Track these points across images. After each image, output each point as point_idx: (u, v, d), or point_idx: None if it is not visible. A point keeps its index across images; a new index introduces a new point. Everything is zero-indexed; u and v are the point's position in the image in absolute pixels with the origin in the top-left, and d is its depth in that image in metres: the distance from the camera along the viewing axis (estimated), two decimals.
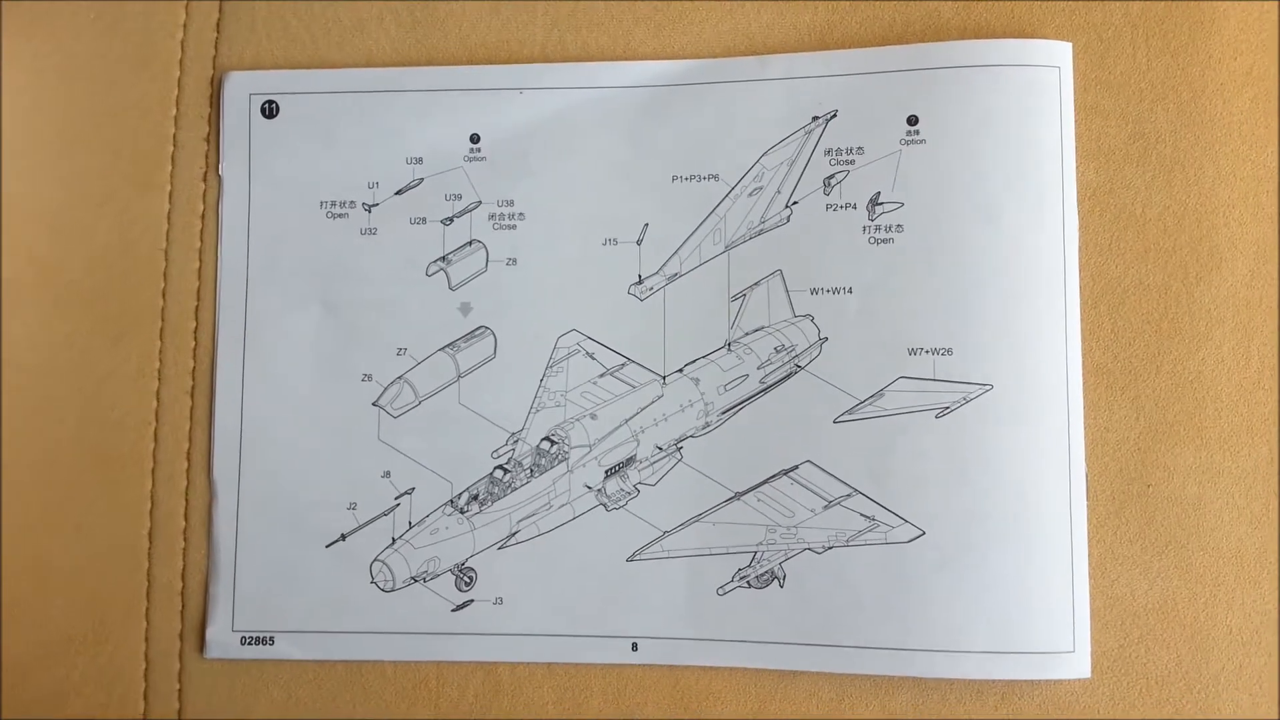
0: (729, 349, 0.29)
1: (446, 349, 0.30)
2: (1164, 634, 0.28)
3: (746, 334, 0.29)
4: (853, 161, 0.29)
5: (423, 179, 0.30)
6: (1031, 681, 0.27)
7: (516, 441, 0.29)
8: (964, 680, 0.27)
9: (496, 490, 0.29)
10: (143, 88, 0.31)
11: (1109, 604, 0.28)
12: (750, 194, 0.29)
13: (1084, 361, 0.28)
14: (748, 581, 0.28)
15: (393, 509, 0.29)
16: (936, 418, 0.28)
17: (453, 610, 0.29)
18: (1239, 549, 0.28)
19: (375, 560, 0.29)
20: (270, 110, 0.30)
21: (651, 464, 0.29)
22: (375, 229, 0.30)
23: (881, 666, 0.27)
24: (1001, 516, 0.27)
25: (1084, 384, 0.28)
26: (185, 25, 0.31)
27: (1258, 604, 0.28)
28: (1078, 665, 0.27)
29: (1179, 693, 0.27)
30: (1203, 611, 0.28)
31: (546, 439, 0.29)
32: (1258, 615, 0.27)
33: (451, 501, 0.29)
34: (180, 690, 0.29)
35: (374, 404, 0.29)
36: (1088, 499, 0.28)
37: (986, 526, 0.27)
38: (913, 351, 0.28)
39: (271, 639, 0.29)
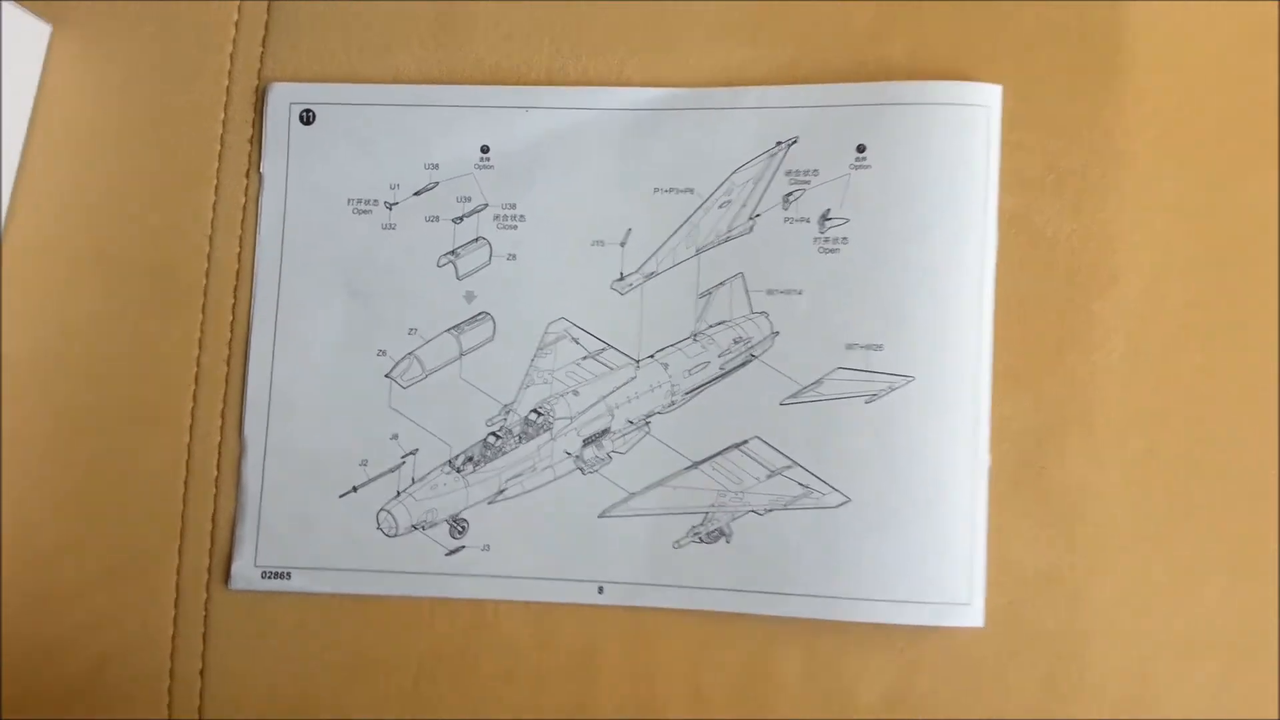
0: (694, 339, 0.33)
1: (451, 330, 0.33)
2: (1049, 595, 0.31)
3: (710, 326, 0.33)
4: (808, 182, 0.32)
5: (438, 183, 0.34)
6: (934, 628, 0.31)
7: (508, 412, 0.33)
8: (878, 624, 0.31)
9: (489, 453, 0.33)
10: (195, 95, 0.34)
11: (1003, 567, 0.31)
12: (720, 206, 0.33)
13: (994, 361, 0.31)
14: (700, 537, 0.32)
15: (398, 466, 0.33)
16: (866, 404, 0.31)
17: (446, 554, 0.32)
18: (1117, 526, 0.31)
19: (382, 510, 0.33)
20: (308, 118, 0.34)
21: (623, 436, 0.33)
22: (395, 225, 0.34)
23: (809, 611, 0.31)
24: (916, 489, 0.31)
25: (993, 380, 0.31)
26: (235, 40, 0.34)
27: (1130, 574, 0.31)
28: (973, 615, 0.30)
29: (1059, 644, 0.31)
30: (1082, 578, 0.31)
31: (534, 411, 0.33)
32: (1130, 583, 0.31)
33: (450, 462, 0.33)
34: (206, 616, 0.32)
35: (386, 376, 0.33)
36: (990, 478, 0.31)
37: (903, 496, 0.31)
38: (849, 346, 0.31)
39: (289, 574, 0.33)
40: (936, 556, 0.31)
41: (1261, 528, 0.31)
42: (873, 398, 0.31)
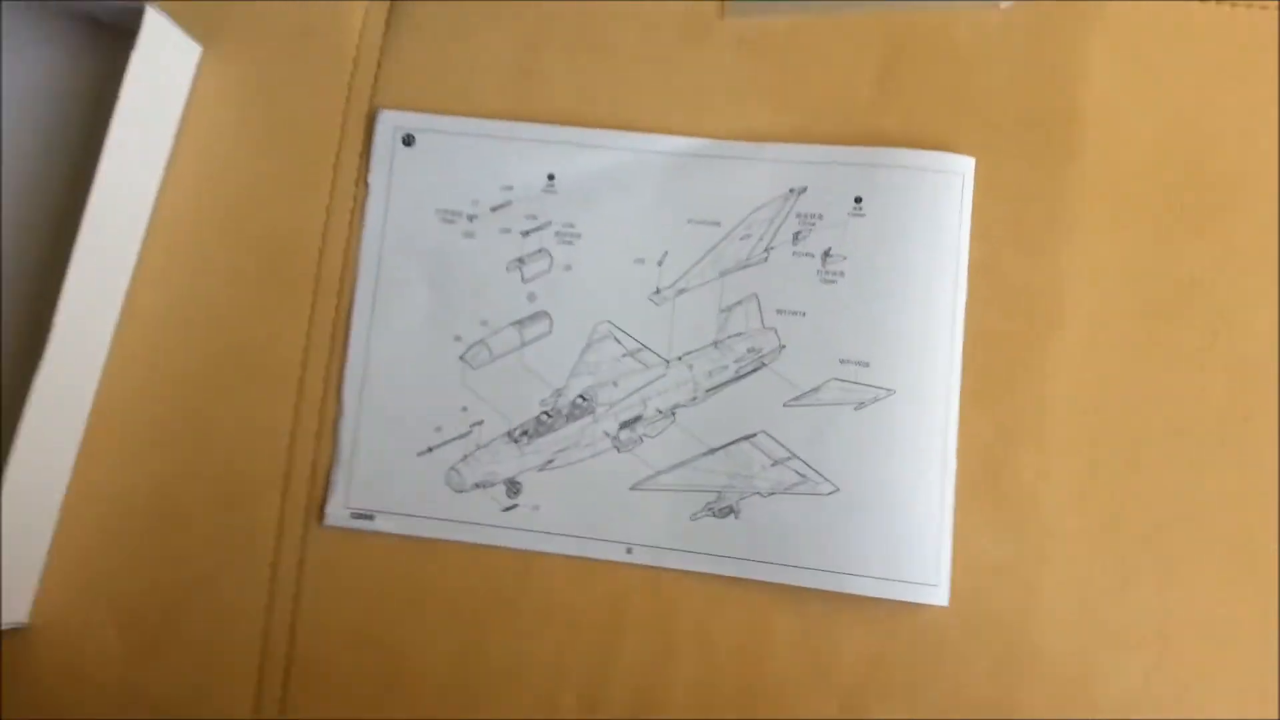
0: (715, 346, 0.37)
1: (515, 324, 0.38)
2: (1003, 583, 0.35)
3: (729, 337, 0.37)
4: (814, 224, 0.37)
5: (511, 201, 0.38)
6: (907, 603, 0.35)
7: (559, 396, 0.37)
8: (859, 596, 0.35)
9: (541, 429, 0.37)
10: (318, 115, 0.39)
11: (965, 557, 0.35)
12: (741, 238, 0.37)
13: (962, 384, 0.35)
14: (713, 512, 0.36)
15: (466, 434, 0.37)
16: (855, 410, 0.36)
17: (502, 510, 0.37)
18: (1061, 527, 0.35)
19: (451, 468, 0.37)
20: (409, 140, 0.39)
21: (653, 422, 0.37)
22: (474, 233, 0.38)
23: (802, 580, 0.35)
24: (894, 484, 0.35)
25: (961, 399, 0.35)
26: (353, 73, 0.40)
27: (1072, 571, 0.35)
28: (939, 595, 0.35)
29: (1010, 626, 0.35)
30: (1030, 570, 0.35)
31: (580, 396, 0.37)
32: (1072, 579, 0.35)
33: (509, 433, 0.37)
34: (303, 546, 0.37)
35: (460, 358, 0.38)
36: (956, 481, 0.35)
37: (883, 489, 0.35)
38: (843, 361, 0.36)
39: (372, 516, 0.37)
40: (910, 543, 0.35)
41: (1186, 537, 0.35)
42: (860, 405, 0.36)
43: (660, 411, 0.37)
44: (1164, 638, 0.35)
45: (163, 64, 0.38)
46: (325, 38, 0.40)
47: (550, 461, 0.37)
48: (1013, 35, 0.39)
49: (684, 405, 0.37)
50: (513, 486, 0.37)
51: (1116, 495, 0.36)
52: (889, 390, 0.36)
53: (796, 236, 0.37)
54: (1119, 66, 0.38)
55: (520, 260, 0.38)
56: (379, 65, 0.40)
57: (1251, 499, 0.35)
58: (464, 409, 0.38)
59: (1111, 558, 0.35)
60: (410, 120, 0.39)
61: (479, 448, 0.37)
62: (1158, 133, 0.38)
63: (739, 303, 0.37)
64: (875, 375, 0.36)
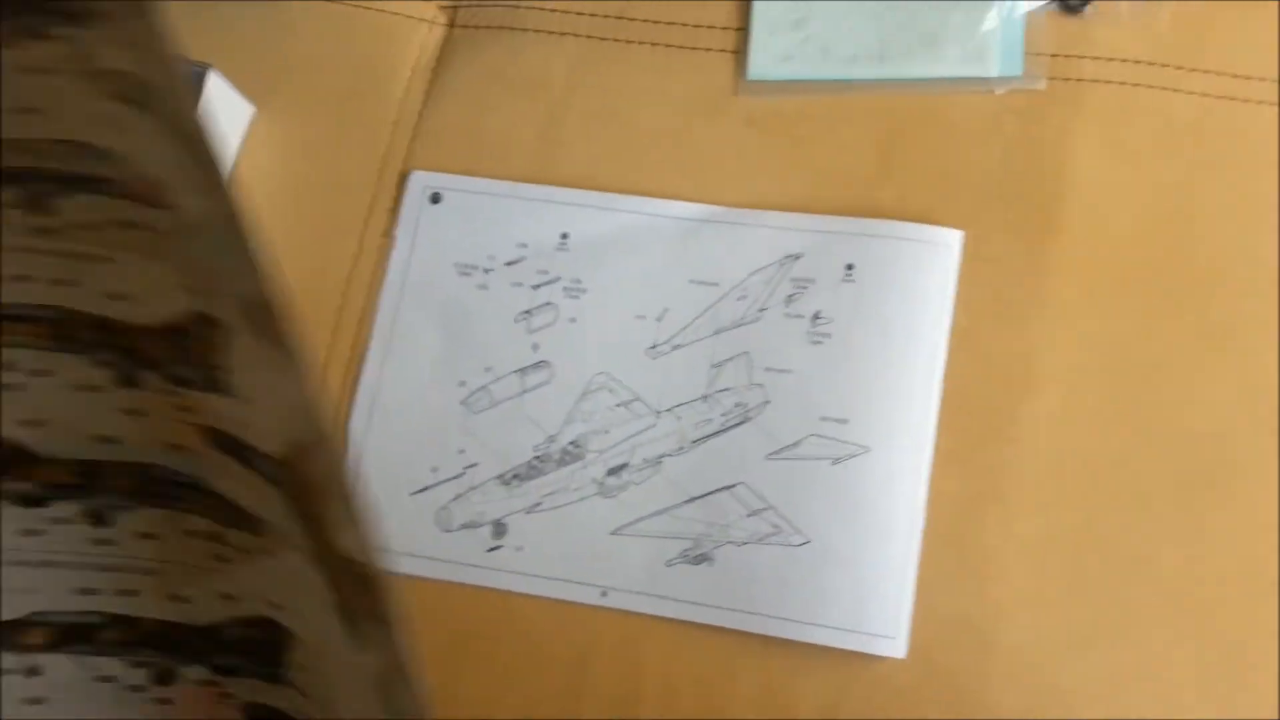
0: (704, 400, 0.39)
1: (518, 372, 0.40)
2: (961, 638, 0.36)
3: (717, 391, 0.39)
4: (806, 288, 0.39)
5: (525, 257, 0.41)
6: (866, 654, 0.36)
7: (551, 441, 0.40)
8: (820, 645, 0.36)
9: (532, 473, 0.39)
10: (355, 173, 0.42)
11: (925, 611, 0.36)
12: (738, 299, 0.40)
13: (937, 444, 0.37)
14: (688, 559, 0.37)
15: (460, 475, 0.39)
16: (831, 465, 0.38)
17: (487, 550, 0.38)
18: (1022, 586, 0.36)
19: (441, 508, 0.39)
20: (436, 198, 0.43)
21: (639, 470, 0.39)
22: (487, 285, 0.41)
23: (768, 629, 0.36)
24: (863, 538, 0.37)
25: (933, 458, 0.37)
26: (391, 136, 0.44)
27: (1028, 629, 0.36)
28: (897, 648, 0.36)
29: (965, 680, 0.35)
30: (988, 626, 0.36)
31: (572, 443, 0.39)
32: (1028, 637, 0.36)
33: (500, 476, 0.39)
34: None
35: (462, 402, 0.40)
36: (923, 537, 0.36)
37: (852, 543, 0.37)
38: (823, 418, 0.38)
39: None
40: (873, 595, 0.36)
41: (1142, 603, 0.36)
42: (837, 460, 0.37)
43: (647, 460, 0.39)
44: (1114, 699, 0.35)
45: (219, 122, 0.43)
46: (368, 102, 0.45)
47: (537, 505, 0.39)
48: (1005, 118, 0.41)
49: (670, 455, 0.39)
50: (499, 528, 0.39)
51: (1075, 559, 0.36)
52: (864, 447, 0.37)
53: (789, 299, 0.39)
54: (1103, 150, 0.40)
55: (528, 312, 0.40)
56: (414, 131, 0.44)
57: (1208, 569, 0.36)
58: (461, 451, 0.39)
59: (1067, 619, 0.36)
60: (439, 180, 0.42)
61: (471, 489, 0.39)
62: (1137, 215, 0.39)
63: (730, 359, 0.39)
64: (852, 432, 0.38)
